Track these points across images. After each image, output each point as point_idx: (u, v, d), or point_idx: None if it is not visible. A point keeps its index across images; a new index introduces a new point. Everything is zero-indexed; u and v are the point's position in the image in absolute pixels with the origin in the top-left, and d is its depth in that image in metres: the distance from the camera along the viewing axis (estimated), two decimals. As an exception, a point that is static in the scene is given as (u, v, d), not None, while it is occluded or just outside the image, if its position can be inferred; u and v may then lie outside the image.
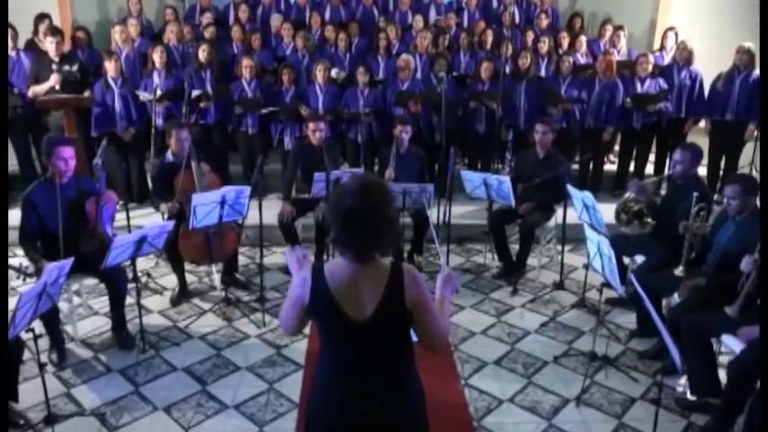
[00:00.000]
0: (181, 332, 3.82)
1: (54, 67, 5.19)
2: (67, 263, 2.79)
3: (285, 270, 4.66)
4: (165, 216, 4.01)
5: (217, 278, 4.48)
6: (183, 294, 4.22)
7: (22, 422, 2.95)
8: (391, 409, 1.77)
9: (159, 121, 5.31)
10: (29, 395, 3.06)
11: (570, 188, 3.98)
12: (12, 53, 5.30)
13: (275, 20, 6.91)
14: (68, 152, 3.43)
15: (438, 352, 1.84)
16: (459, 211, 5.33)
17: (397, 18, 7.30)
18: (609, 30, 6.81)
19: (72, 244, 3.42)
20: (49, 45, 5.26)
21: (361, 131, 5.52)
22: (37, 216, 3.43)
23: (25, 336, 2.83)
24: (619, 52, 6.42)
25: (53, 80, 5.15)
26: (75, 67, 5.25)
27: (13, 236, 4.41)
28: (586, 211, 3.86)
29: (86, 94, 5.23)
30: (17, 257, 3.94)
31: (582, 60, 6.30)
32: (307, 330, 3.84)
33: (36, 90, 5.17)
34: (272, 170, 5.92)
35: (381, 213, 1.69)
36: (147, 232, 3.32)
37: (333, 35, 6.50)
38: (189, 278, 4.35)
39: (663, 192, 4.90)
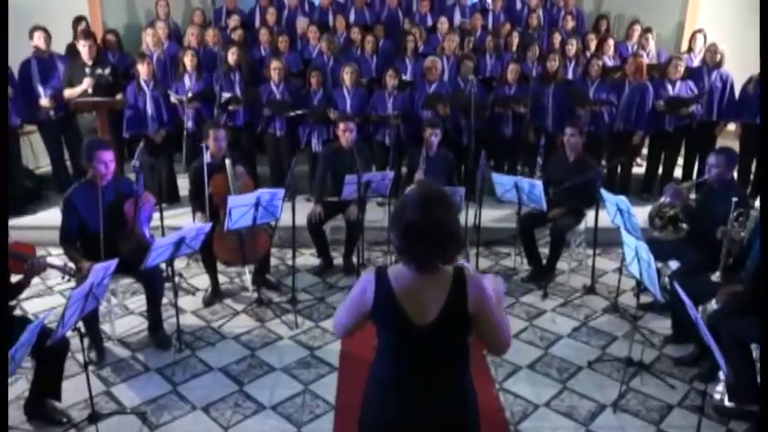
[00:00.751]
0: (215, 332, 3.87)
1: (87, 70, 5.28)
2: (112, 264, 2.84)
3: (315, 272, 4.70)
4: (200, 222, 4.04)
5: (248, 279, 4.52)
6: (216, 295, 4.27)
7: (64, 420, 3.01)
8: (447, 410, 1.79)
9: (189, 124, 5.37)
10: (69, 394, 3.11)
11: (604, 192, 3.95)
12: (45, 55, 5.39)
13: (301, 22, 6.96)
14: (108, 156, 3.49)
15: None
16: (487, 214, 5.32)
17: (419, 20, 7.31)
18: (637, 31, 6.75)
19: (111, 245, 3.48)
20: (82, 48, 5.35)
21: (389, 134, 5.54)
22: (77, 217, 3.49)
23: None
24: (648, 55, 6.36)
25: (86, 83, 5.23)
26: (107, 71, 5.33)
27: (46, 235, 4.57)
28: (620, 215, 3.83)
29: (118, 96, 5.31)
30: (54, 257, 4.01)
31: (610, 63, 6.25)
32: (339, 332, 3.87)
33: (70, 93, 5.26)
34: (299, 172, 5.94)
35: (443, 226, 1.69)
36: (185, 234, 3.37)
37: (358, 37, 6.53)
38: (220, 279, 4.39)
39: (693, 196, 4.84)
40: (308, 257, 4.89)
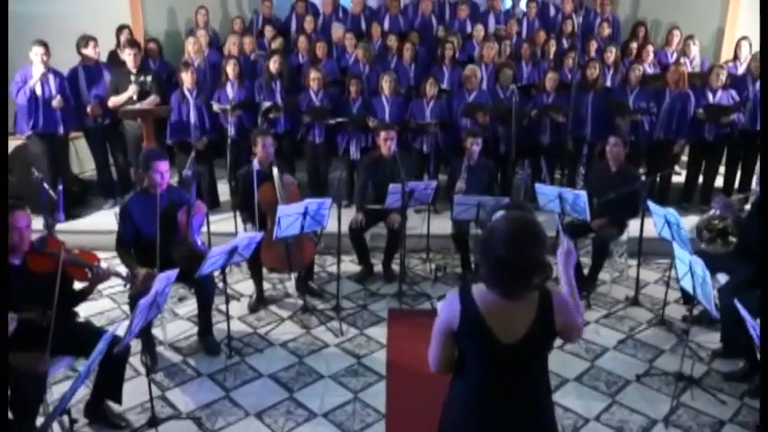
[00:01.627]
0: (262, 339, 3.93)
1: (132, 78, 5.41)
2: (174, 273, 2.92)
3: (356, 279, 4.75)
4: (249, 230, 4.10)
5: (290, 285, 4.59)
6: (261, 301, 4.34)
7: (123, 424, 3.10)
8: (528, 423, 1.83)
9: (232, 131, 5.46)
10: (125, 397, 3.14)
11: (652, 204, 3.93)
12: (92, 63, 5.53)
13: (336, 30, 7.01)
14: (164, 166, 3.58)
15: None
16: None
17: (456, 27, 7.32)
18: (676, 37, 6.68)
19: (165, 252, 3.56)
20: (127, 56, 5.48)
21: (427, 142, 5.57)
22: (133, 225, 3.59)
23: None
24: (691, 62, 6.28)
25: (131, 90, 5.36)
26: (149, 78, 5.45)
27: (91, 239, 4.69)
28: (668, 227, 3.80)
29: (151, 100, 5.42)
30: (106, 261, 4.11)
31: (650, 70, 6.19)
32: (383, 340, 3.92)
33: (115, 101, 5.39)
34: (336, 178, 6.00)
35: (532, 262, 1.70)
36: (238, 243, 3.44)
37: (394, 45, 6.56)
38: (263, 285, 4.46)
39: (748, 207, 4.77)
40: (348, 264, 4.94)
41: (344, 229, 4.61)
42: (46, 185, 3.66)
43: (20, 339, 2.63)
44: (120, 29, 6.25)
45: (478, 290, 1.79)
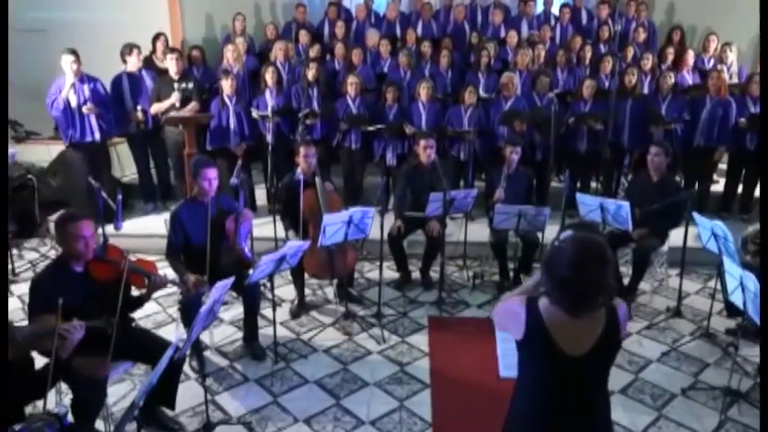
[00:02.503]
0: (305, 345, 3.99)
1: (175, 85, 5.51)
2: (229, 282, 2.98)
3: (395, 286, 4.78)
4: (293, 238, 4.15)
5: (329, 291, 4.65)
6: (302, 307, 4.40)
7: (176, 427, 3.18)
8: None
9: (269, 137, 5.54)
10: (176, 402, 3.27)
11: (698, 216, 3.90)
12: (135, 70, 5.65)
13: (371, 36, 7.04)
14: (213, 173, 3.66)
15: None
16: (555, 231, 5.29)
17: (489, 33, 7.32)
18: (713, 43, 6.60)
19: (214, 259, 3.64)
20: (169, 63, 5.59)
21: (464, 150, 5.58)
22: (183, 232, 3.67)
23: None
24: (728, 69, 6.21)
25: (174, 98, 5.46)
26: (190, 85, 5.55)
27: (133, 243, 4.80)
28: (714, 240, 3.77)
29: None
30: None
31: (688, 77, 6.13)
32: (425, 348, 3.95)
33: (157, 107, 5.50)
34: (371, 184, 6.07)
35: (595, 284, 1.72)
36: (286, 251, 3.50)
37: (428, 51, 6.57)
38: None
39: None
40: (386, 271, 4.97)
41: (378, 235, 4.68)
42: (104, 194, 3.75)
43: (81, 344, 2.71)
44: (157, 36, 6.36)
45: (545, 303, 1.82)
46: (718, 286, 4.11)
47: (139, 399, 2.29)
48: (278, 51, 6.27)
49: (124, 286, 2.89)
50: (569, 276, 1.71)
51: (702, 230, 3.87)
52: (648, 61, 6.13)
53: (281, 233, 4.52)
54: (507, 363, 3.01)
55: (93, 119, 5.25)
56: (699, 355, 3.89)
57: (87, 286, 2.88)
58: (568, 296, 1.75)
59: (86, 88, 5.20)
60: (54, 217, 5.71)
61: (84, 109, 5.17)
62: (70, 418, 2.73)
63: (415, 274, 4.89)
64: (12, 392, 2.50)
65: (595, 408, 1.89)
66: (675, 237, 4.53)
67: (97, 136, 5.32)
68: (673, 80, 5.66)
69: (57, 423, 2.30)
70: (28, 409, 2.82)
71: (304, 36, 6.94)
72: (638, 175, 4.78)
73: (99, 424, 2.93)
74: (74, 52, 5.10)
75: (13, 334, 2.41)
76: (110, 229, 5.32)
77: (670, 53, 6.35)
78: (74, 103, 5.14)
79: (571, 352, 1.78)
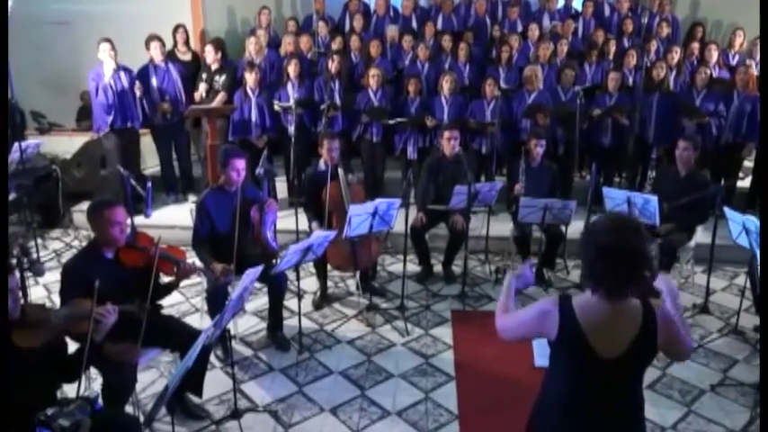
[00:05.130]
0: (329, 336, 3.99)
1: (204, 76, 5.59)
2: (258, 270, 2.99)
3: (417, 279, 4.77)
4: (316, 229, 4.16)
5: (351, 283, 4.65)
6: (324, 298, 4.40)
7: (203, 414, 3.19)
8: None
9: (291, 129, 5.54)
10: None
11: (728, 211, 3.84)
12: (161, 63, 5.68)
13: (391, 30, 7.02)
14: (241, 164, 3.67)
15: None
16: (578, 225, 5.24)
17: (509, 27, 7.27)
18: (739, 38, 6.49)
19: (240, 248, 3.65)
20: (207, 54, 5.74)
21: (486, 142, 5.55)
22: (209, 220, 3.68)
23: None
24: (757, 64, 6.10)
25: (201, 89, 5.53)
26: (222, 77, 5.60)
27: (155, 233, 4.81)
28: (746, 234, 3.71)
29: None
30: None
31: (715, 72, 6.04)
32: (449, 341, 3.94)
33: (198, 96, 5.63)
34: (392, 178, 6.06)
35: (636, 249, 1.70)
36: (312, 241, 3.50)
37: (449, 45, 6.54)
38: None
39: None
40: (408, 264, 4.95)
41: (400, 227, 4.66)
42: (133, 182, 3.78)
43: (112, 329, 2.72)
44: (176, 28, 6.35)
45: (579, 302, 1.78)
46: (747, 283, 4.05)
47: (173, 383, 2.30)
48: (287, 45, 6.27)
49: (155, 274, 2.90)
50: (607, 240, 1.68)
51: (733, 225, 3.81)
52: (676, 55, 6.03)
53: (302, 225, 4.52)
54: (541, 351, 2.98)
55: (135, 107, 5.41)
56: (728, 352, 3.84)
57: (118, 272, 2.90)
58: (609, 269, 1.69)
59: (123, 76, 5.36)
60: (77, 207, 5.80)
61: (138, 91, 5.35)
62: (100, 402, 2.76)
63: (437, 268, 4.88)
64: (44, 375, 2.52)
65: (626, 411, 1.83)
66: (701, 233, 4.47)
67: (138, 124, 5.50)
68: (708, 74, 5.56)
69: (88, 407, 2.33)
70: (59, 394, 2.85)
71: (322, 28, 6.94)
72: (665, 170, 4.72)
73: (128, 409, 2.95)
74: (109, 41, 5.25)
75: (47, 316, 2.42)
76: (137, 218, 5.40)
77: (695, 47, 6.25)
78: (118, 89, 5.29)
79: (604, 354, 1.74)
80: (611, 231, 1.71)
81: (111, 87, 5.26)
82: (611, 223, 1.73)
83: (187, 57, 6.33)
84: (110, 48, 5.23)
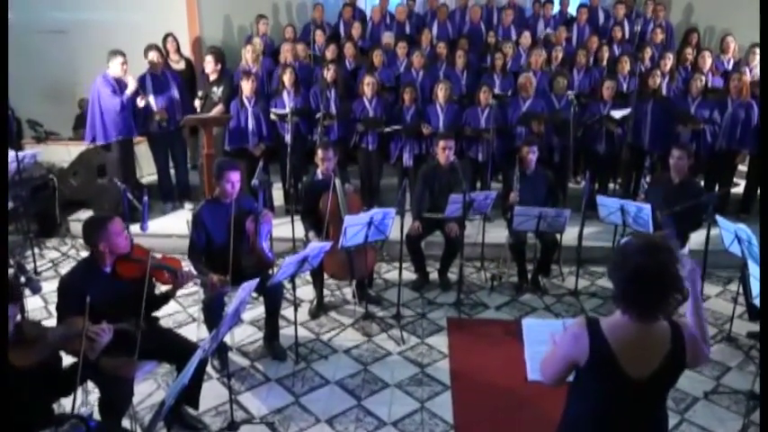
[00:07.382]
0: (325, 345, 4.01)
1: (200, 93, 5.62)
2: (254, 283, 3.00)
3: (413, 287, 4.79)
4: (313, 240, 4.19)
5: (348, 292, 4.67)
6: (321, 307, 4.42)
7: (200, 426, 3.20)
8: None
9: (288, 138, 5.56)
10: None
11: (720, 219, 3.87)
12: (158, 71, 5.69)
13: (387, 37, 7.05)
14: (236, 176, 3.68)
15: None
16: (574, 232, 5.26)
17: (503, 33, 7.30)
18: (732, 44, 6.54)
19: (236, 260, 3.66)
20: (206, 65, 5.75)
21: (483, 150, 5.58)
22: (205, 232, 3.70)
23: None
24: (751, 71, 6.15)
25: (197, 102, 5.55)
26: (220, 89, 5.62)
27: (151, 242, 4.83)
28: (738, 243, 3.74)
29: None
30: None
31: (709, 78, 6.08)
32: (445, 349, 3.96)
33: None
34: (388, 185, 6.09)
35: (669, 272, 1.70)
36: (308, 253, 3.52)
37: (444, 52, 6.57)
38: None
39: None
40: (403, 272, 4.98)
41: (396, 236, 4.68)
42: (129, 195, 3.79)
43: (109, 344, 2.74)
44: (166, 37, 6.33)
45: (608, 324, 1.79)
46: (740, 290, 4.08)
47: (170, 399, 2.32)
48: (285, 53, 6.28)
49: (149, 284, 2.92)
50: (641, 262, 1.68)
51: (725, 233, 3.84)
52: (668, 62, 6.08)
53: (298, 234, 4.54)
54: (534, 367, 3.00)
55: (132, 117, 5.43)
56: (721, 359, 3.86)
57: (116, 286, 2.91)
58: (643, 290, 1.70)
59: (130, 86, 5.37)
60: (74, 216, 5.80)
61: (140, 100, 5.35)
62: (96, 416, 2.78)
63: (432, 276, 4.90)
64: (40, 391, 2.54)
65: (653, 428, 1.89)
66: (694, 239, 4.51)
67: (135, 133, 5.54)
68: (704, 81, 5.60)
69: (83, 425, 2.33)
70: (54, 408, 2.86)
71: (320, 36, 6.96)
72: (658, 178, 4.75)
73: (125, 423, 2.96)
74: (122, 54, 5.28)
75: (44, 334, 2.44)
76: (133, 229, 5.40)
77: (689, 54, 6.29)
78: (142, 103, 5.35)
79: (635, 375, 1.75)
80: (644, 253, 1.70)
81: (133, 100, 5.30)
82: (645, 245, 1.73)
83: (180, 65, 6.36)
84: (123, 60, 5.25)
